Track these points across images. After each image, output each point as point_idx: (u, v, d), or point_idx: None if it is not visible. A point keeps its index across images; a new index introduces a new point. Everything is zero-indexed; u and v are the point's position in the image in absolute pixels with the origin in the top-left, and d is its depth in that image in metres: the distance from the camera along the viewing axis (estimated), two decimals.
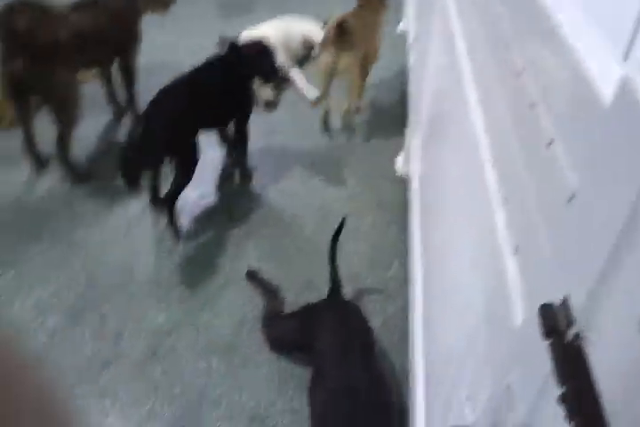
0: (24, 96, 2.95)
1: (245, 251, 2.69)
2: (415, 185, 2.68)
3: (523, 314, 0.91)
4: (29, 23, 2.72)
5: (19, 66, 2.75)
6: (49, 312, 2.39)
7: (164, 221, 2.74)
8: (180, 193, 2.66)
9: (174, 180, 2.63)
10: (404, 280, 2.50)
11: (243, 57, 2.87)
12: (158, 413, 2.05)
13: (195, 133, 2.65)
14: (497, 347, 0.99)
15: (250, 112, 3.00)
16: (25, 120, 3.07)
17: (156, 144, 2.51)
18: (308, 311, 2.18)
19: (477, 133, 1.39)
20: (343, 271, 2.30)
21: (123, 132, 3.50)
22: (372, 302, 2.44)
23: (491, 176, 1.23)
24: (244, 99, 2.95)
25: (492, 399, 0.86)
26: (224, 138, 3.18)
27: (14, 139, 3.13)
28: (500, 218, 1.12)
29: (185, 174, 2.63)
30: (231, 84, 2.81)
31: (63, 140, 3.05)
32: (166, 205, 2.70)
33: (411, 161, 2.89)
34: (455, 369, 1.30)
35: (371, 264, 2.62)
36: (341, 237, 2.33)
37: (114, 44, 3.29)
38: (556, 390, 0.59)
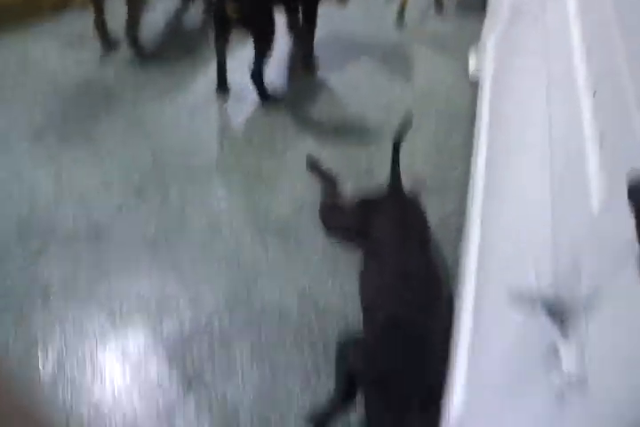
0: None
1: (305, 138, 2.70)
2: (486, 87, 2.60)
3: (600, 195, 0.91)
4: None
5: None
6: (115, 188, 2.50)
7: (228, 106, 2.77)
8: (263, 65, 2.73)
9: (256, 55, 2.71)
10: (464, 183, 2.49)
11: None
12: (216, 284, 2.18)
13: (272, 7, 2.66)
14: (568, 228, 1.01)
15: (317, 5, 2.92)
16: (97, 1, 3.06)
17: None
18: (367, 200, 2.22)
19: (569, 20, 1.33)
20: (404, 169, 2.30)
21: (190, 18, 3.48)
22: (431, 198, 2.44)
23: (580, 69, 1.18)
24: None
25: (559, 274, 0.89)
26: (292, 25, 3.12)
27: (87, 19, 3.14)
28: (586, 107, 1.09)
29: (265, 46, 2.70)
30: None
31: (133, 22, 3.06)
32: (255, 80, 2.79)
33: (483, 61, 2.79)
34: (515, 250, 1.33)
35: (433, 165, 2.61)
36: (406, 136, 2.31)
37: None
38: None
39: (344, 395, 1.82)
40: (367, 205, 2.20)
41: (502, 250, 1.60)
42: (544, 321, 0.78)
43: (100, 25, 3.16)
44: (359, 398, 1.81)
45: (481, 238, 2.01)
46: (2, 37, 3.30)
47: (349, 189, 2.45)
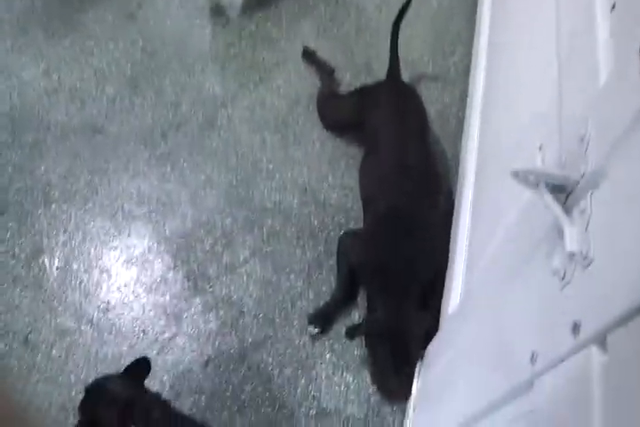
0: None
1: (302, 29, 2.57)
2: None
3: (609, 65, 0.86)
4: None
5: None
6: (108, 81, 2.40)
7: None
8: None
9: None
10: (465, 69, 2.40)
11: None
12: (215, 180, 2.16)
13: None
14: (575, 102, 0.96)
15: None
16: None
17: None
18: (366, 91, 2.15)
19: None
20: (403, 56, 2.20)
21: None
22: (430, 89, 2.37)
23: None
24: None
25: (564, 151, 0.86)
26: None
27: None
28: None
29: None
30: None
31: None
32: None
33: None
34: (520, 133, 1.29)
35: (432, 50, 2.49)
36: (404, 21, 2.19)
37: None
38: None
39: (346, 290, 1.86)
40: (365, 96, 2.13)
41: (506, 131, 1.56)
42: (547, 200, 0.75)
43: None
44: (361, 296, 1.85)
45: (482, 123, 1.96)
46: None
47: (347, 83, 2.36)
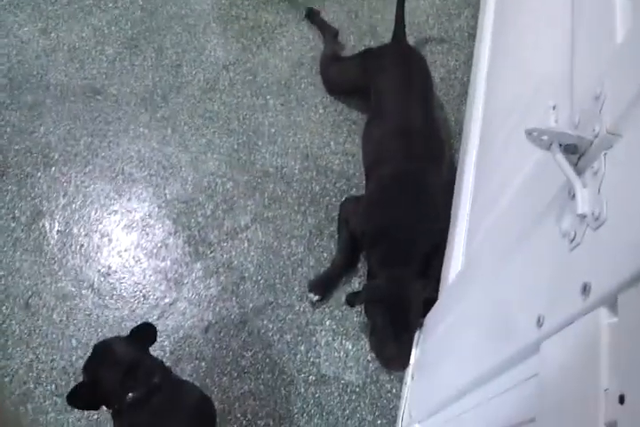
0: None
1: None
2: None
3: (627, 23, 0.83)
4: None
5: None
6: (107, 41, 2.35)
7: None
8: None
9: None
10: (471, 33, 2.35)
11: None
12: (216, 144, 2.13)
13: None
14: (589, 61, 0.93)
15: None
16: None
17: None
18: (370, 54, 2.10)
19: None
20: (408, 19, 2.15)
21: None
22: (434, 53, 2.32)
23: None
24: None
25: (578, 111, 0.83)
26: None
27: None
28: None
29: None
30: None
31: None
32: None
33: None
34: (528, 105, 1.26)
35: (437, 13, 2.44)
36: None
37: None
38: None
39: (346, 257, 1.85)
40: (370, 59, 2.08)
41: (514, 93, 1.52)
42: (560, 160, 0.73)
43: None
44: (362, 263, 1.84)
45: (488, 86, 1.92)
46: None
47: (351, 47, 2.31)
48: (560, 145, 0.73)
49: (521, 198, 1.01)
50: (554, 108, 0.76)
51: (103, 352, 1.40)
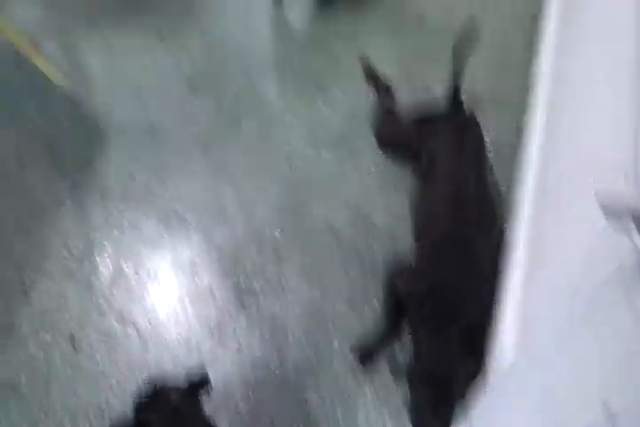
0: None
1: (361, 45, 2.55)
2: None
3: None
4: None
5: None
6: (169, 81, 2.43)
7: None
8: None
9: None
10: (521, 96, 2.36)
11: None
12: (268, 192, 2.18)
13: None
14: None
15: None
16: None
17: None
18: (424, 118, 2.13)
19: None
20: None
21: None
22: (485, 117, 2.34)
23: None
24: None
25: None
26: None
27: None
28: None
29: None
30: None
31: None
32: None
33: None
34: None
35: (495, 70, 2.46)
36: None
37: None
38: None
39: (391, 324, 1.86)
40: (424, 122, 2.11)
41: (575, 159, 1.50)
42: (632, 235, 0.71)
43: None
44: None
45: (542, 151, 1.92)
46: None
47: (404, 103, 2.35)
48: (634, 218, 0.70)
49: (582, 271, 0.98)
50: (625, 175, 0.73)
51: (158, 396, 1.44)
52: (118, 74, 2.44)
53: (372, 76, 2.40)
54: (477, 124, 2.11)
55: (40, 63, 2.36)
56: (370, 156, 2.25)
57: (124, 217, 2.14)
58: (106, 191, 2.18)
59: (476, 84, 2.41)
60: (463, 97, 2.17)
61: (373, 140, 2.26)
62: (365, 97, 2.37)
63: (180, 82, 2.43)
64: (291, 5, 2.68)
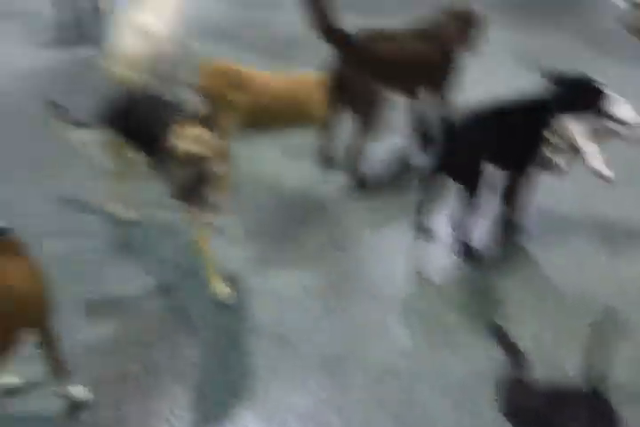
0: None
1: (502, 306, 2.61)
2: None
3: None
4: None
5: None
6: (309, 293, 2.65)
7: (424, 252, 2.81)
8: (467, 218, 2.78)
9: (460, 207, 2.76)
10: None
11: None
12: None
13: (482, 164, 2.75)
14: None
15: (526, 169, 2.94)
16: (330, 120, 3.30)
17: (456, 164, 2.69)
18: (560, 392, 2.05)
19: None
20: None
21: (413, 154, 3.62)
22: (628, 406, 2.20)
23: None
24: (530, 151, 2.88)
25: None
26: (506, 189, 3.10)
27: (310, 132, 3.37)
28: None
29: (472, 198, 2.74)
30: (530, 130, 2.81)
31: (356, 152, 3.27)
32: (456, 231, 2.89)
33: None
34: None
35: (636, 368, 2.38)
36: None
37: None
38: None
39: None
40: (560, 397, 2.02)
41: None
42: None
43: (325, 142, 3.37)
44: None
45: None
46: None
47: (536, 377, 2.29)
48: None
49: None
50: None
51: None
52: (265, 285, 2.63)
53: (505, 343, 2.38)
54: (613, 409, 1.99)
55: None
56: (492, 417, 2.14)
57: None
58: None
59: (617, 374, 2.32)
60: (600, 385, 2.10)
61: (495, 403, 2.15)
62: (491, 356, 2.37)
63: (315, 295, 2.63)
64: (432, 260, 2.86)
